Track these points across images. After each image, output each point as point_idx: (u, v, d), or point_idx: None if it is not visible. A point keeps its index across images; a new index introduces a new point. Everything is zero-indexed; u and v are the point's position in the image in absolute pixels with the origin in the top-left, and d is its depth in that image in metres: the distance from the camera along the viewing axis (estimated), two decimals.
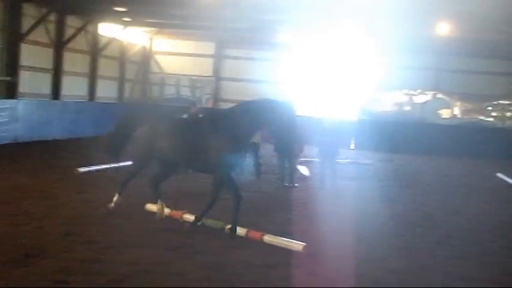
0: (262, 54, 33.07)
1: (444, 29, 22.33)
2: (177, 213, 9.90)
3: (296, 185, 15.33)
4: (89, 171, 14.90)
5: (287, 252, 8.26)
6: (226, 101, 33.49)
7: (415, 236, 10.17)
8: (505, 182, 19.51)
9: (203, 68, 34.36)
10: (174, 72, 34.64)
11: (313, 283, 7.11)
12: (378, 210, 12.64)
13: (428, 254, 8.88)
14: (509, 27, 23.51)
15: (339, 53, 32.18)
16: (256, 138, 16.42)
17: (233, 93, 33.14)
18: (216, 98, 34.35)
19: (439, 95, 32.94)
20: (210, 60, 34.51)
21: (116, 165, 13.15)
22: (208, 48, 34.35)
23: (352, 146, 28.07)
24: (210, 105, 33.67)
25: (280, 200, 13.42)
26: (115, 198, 10.00)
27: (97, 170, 15.00)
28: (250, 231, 9.01)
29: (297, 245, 8.36)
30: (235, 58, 33.97)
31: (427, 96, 33.14)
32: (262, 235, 8.81)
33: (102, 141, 11.33)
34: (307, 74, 33.33)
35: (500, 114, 32.97)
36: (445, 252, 9.05)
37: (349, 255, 8.27)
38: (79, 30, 27.31)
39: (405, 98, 33.31)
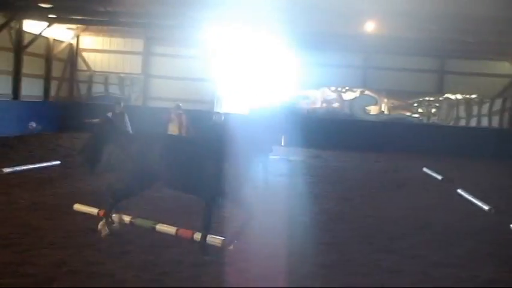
0: (191, 51, 32.87)
1: (371, 27, 22.76)
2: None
3: None
4: (14, 171, 14.50)
5: (218, 250, 8.24)
6: (155, 98, 33.25)
7: (343, 231, 10.32)
8: (431, 176, 20.08)
9: (132, 65, 33.90)
10: (102, 70, 34.04)
11: (244, 280, 7.12)
12: (306, 206, 12.77)
13: (356, 248, 9.03)
14: (433, 25, 24.19)
15: (267, 51, 32.31)
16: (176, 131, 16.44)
17: (162, 91, 32.94)
18: (145, 95, 33.95)
19: (367, 92, 33.57)
20: (139, 58, 34.05)
21: (42, 165, 12.83)
22: (137, 45, 33.89)
23: (282, 143, 28.28)
24: (138, 103, 33.28)
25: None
26: (104, 226, 8.71)
27: (22, 171, 14.62)
28: (180, 229, 8.96)
29: (227, 243, 8.35)
30: (163, 55, 33.64)
31: (355, 93, 33.70)
32: (193, 233, 8.76)
33: (79, 149, 10.29)
34: (236, 71, 33.32)
35: (425, 111, 33.87)
36: (372, 246, 9.23)
37: (280, 252, 8.33)
38: (2, 26, 26.48)
39: (334, 95, 33.79)
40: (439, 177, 19.36)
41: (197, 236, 8.59)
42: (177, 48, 33.03)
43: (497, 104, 33.66)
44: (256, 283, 7.09)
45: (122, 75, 33.86)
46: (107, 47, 34.05)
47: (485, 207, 13.42)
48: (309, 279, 7.29)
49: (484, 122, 33.92)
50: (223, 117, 16.56)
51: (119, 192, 8.75)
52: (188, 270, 7.36)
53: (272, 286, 6.97)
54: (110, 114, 15.77)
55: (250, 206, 8.33)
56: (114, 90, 33.96)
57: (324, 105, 33.79)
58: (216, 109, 30.91)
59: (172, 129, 16.64)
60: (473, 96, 33.55)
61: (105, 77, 33.96)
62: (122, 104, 16.81)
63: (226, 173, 7.99)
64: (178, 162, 8.22)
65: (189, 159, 8.20)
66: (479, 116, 34.09)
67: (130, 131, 16.51)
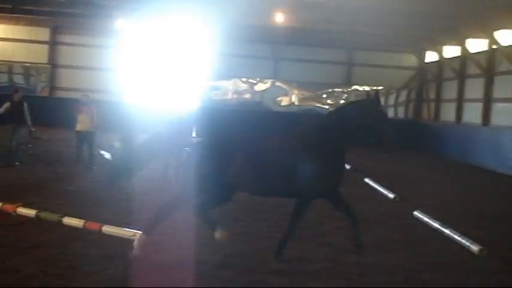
0: (99, 41, 32.16)
1: (280, 18, 22.93)
2: (11, 207, 9.37)
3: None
4: None
5: (127, 242, 8.09)
6: (62, 89, 32.35)
7: (255, 221, 10.38)
8: None
9: (37, 54, 32.76)
10: (6, 59, 32.74)
11: (153, 271, 7.03)
12: None
13: (267, 237, 9.09)
14: (341, 18, 24.65)
15: (177, 41, 32.05)
16: (88, 126, 16.06)
17: (69, 81, 32.07)
18: (52, 86, 32.93)
19: (278, 83, 33.88)
20: (45, 47, 32.96)
21: None
22: (43, 34, 32.74)
23: (194, 135, 28.10)
24: (45, 94, 32.29)
25: (120, 190, 13.12)
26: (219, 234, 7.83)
27: None
28: (87, 222, 8.75)
29: (136, 234, 8.21)
30: (71, 45, 32.70)
31: (266, 85, 33.94)
32: (101, 226, 8.58)
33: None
34: (145, 61, 32.83)
35: (334, 102, 34.53)
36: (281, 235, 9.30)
37: (190, 242, 8.27)
38: None
39: (245, 86, 33.91)
40: (348, 166, 19.77)
41: (105, 228, 8.42)
42: (85, 37, 32.22)
43: (403, 95, 34.76)
44: (165, 273, 7.02)
45: (27, 64, 32.71)
46: (10, 36, 32.73)
47: (391, 196, 13.84)
48: (220, 269, 7.27)
49: (391, 113, 34.93)
50: (134, 108, 16.32)
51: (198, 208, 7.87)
52: (95, 264, 7.20)
53: (181, 276, 6.92)
54: (7, 104, 15.29)
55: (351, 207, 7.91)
56: (19, 80, 32.79)
57: (235, 96, 33.87)
58: (125, 100, 30.42)
59: (82, 121, 16.24)
60: (380, 87, 34.45)
61: (9, 66, 32.71)
62: (20, 93, 16.26)
63: (327, 170, 7.57)
64: (268, 164, 7.48)
65: (283, 159, 7.51)
66: (386, 106, 35.08)
67: (29, 121, 16.04)
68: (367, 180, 16.40)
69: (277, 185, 7.58)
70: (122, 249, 7.75)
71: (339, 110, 7.97)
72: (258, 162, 7.47)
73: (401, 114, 34.87)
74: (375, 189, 15.15)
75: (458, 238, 9.05)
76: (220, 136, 7.87)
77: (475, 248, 8.57)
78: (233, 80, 33.60)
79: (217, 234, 7.68)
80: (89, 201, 10.86)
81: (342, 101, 34.37)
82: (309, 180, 7.44)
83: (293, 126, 8.43)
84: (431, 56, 32.56)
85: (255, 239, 8.97)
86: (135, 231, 8.23)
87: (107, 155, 17.31)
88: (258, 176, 7.50)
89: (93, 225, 8.65)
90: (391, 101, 35.14)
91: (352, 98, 34.25)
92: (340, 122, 7.67)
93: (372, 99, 7.78)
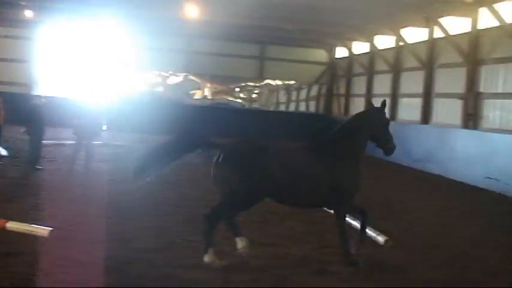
0: (10, 31, 31.07)
1: (193, 12, 22.81)
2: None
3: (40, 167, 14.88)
4: None
5: (34, 238, 7.86)
6: None
7: (166, 215, 10.31)
8: None
9: None
10: None
11: (61, 268, 6.88)
12: (129, 191, 12.59)
13: (177, 231, 9.06)
14: (257, 13, 24.79)
15: (91, 33, 31.41)
16: None
17: None
18: None
19: (190, 77, 33.75)
20: None
21: None
22: None
23: (105, 128, 27.59)
24: None
25: (27, 185, 12.77)
26: (211, 258, 7.32)
27: None
28: None
29: (43, 231, 7.99)
30: None
31: (179, 78, 33.76)
32: (5, 222, 8.29)
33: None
34: (59, 53, 32.01)
35: (247, 96, 34.77)
36: (193, 228, 9.29)
37: (100, 237, 8.15)
38: None
39: (158, 79, 33.61)
40: None
41: (10, 225, 8.15)
42: None
43: (314, 90, 35.37)
44: (72, 269, 6.88)
45: None
46: None
47: None
48: (131, 264, 7.19)
49: (302, 107, 35.51)
50: (44, 100, 15.87)
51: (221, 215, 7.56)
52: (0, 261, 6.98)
53: (90, 272, 6.80)
54: None
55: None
56: None
57: (148, 89, 33.51)
58: (36, 92, 29.57)
59: None
60: (292, 82, 34.96)
61: None
62: None
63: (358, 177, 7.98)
64: (305, 175, 7.56)
65: (320, 169, 7.68)
66: (298, 101, 35.63)
67: None
68: None
69: (314, 195, 7.74)
70: (29, 245, 7.53)
71: (355, 119, 8.45)
72: (295, 173, 7.53)
73: (312, 108, 35.47)
74: None
75: (366, 230, 9.29)
76: (255, 144, 7.76)
77: (381, 239, 8.81)
78: (145, 72, 33.21)
79: (240, 243, 7.57)
80: None
81: (255, 95, 34.65)
82: (349, 188, 7.86)
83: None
84: (341, 52, 33.26)
85: (164, 233, 8.91)
86: (42, 227, 8.01)
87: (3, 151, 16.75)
88: (294, 187, 7.54)
89: None
90: (303, 95, 35.68)
91: (265, 92, 34.65)
92: (358, 130, 8.17)
93: (379, 108, 8.42)
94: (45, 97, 16.05)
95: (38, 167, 14.86)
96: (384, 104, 8.57)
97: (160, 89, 33.68)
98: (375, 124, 8.33)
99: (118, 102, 30.30)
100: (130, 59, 32.18)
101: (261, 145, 7.67)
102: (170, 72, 33.53)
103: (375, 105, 8.66)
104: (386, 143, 8.40)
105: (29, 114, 15.11)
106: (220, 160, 7.36)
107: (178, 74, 33.58)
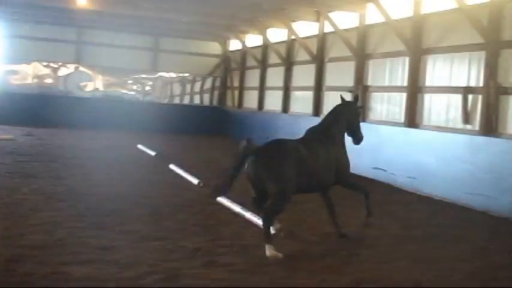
0: None
1: (82, 1, 22.23)
2: None
3: None
4: None
5: None
6: None
7: (56, 211, 10.03)
8: (145, 152, 20.48)
9: None
10: None
11: None
12: (16, 186, 12.20)
13: (67, 227, 8.83)
14: (150, 4, 24.51)
15: None
16: None
17: None
18: None
19: (81, 68, 32.92)
20: None
21: None
22: None
23: None
24: None
25: None
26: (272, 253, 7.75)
27: None
28: None
29: None
30: None
31: (69, 69, 32.86)
32: None
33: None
34: None
35: (140, 88, 34.34)
36: (84, 223, 9.11)
37: None
38: None
39: (47, 71, 32.55)
40: (153, 153, 19.81)
41: None
42: None
43: (208, 82, 35.42)
44: None
45: None
46: None
47: (195, 181, 14.08)
48: (15, 262, 6.94)
49: (197, 100, 35.48)
50: None
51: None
52: None
53: None
54: None
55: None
56: None
57: (36, 80, 32.37)
58: None
59: None
60: (187, 74, 34.83)
61: None
62: None
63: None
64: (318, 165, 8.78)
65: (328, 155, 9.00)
66: (192, 94, 35.57)
67: None
68: (172, 166, 16.52)
69: (330, 177, 9.02)
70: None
71: (337, 110, 9.75)
72: (322, 162, 8.87)
73: (206, 101, 35.51)
74: (180, 175, 15.31)
75: (258, 221, 9.42)
76: (287, 143, 8.70)
77: (273, 228, 8.92)
78: (33, 63, 32.07)
79: (276, 225, 8.61)
80: None
81: (148, 88, 34.27)
82: (347, 166, 9.43)
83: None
84: (235, 45, 33.44)
85: (53, 229, 8.65)
86: None
87: None
88: (322, 175, 8.89)
89: None
90: (197, 88, 35.65)
91: (159, 85, 34.35)
92: (341, 118, 9.56)
93: (354, 101, 10.19)
94: None
95: None
96: (357, 97, 10.71)
97: (49, 80, 32.63)
98: (352, 114, 9.81)
99: (3, 94, 29.25)
100: (14, 49, 30.94)
101: (292, 144, 8.66)
102: (60, 63, 32.55)
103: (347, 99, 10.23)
104: (358, 133, 9.81)
105: None
106: (257, 162, 8.12)
107: (68, 65, 32.65)
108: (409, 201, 14.03)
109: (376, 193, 14.67)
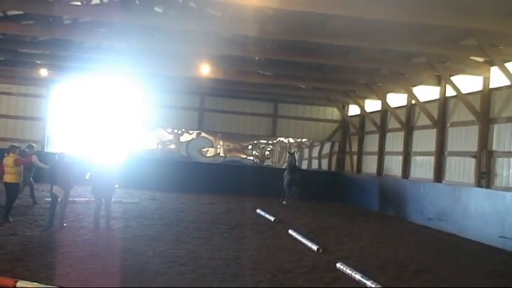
0: (25, 89, 31.61)
1: (206, 70, 23.11)
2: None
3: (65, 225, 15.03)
4: None
5: None
6: None
7: (177, 274, 10.22)
8: (264, 217, 20.58)
9: None
10: None
11: None
12: (141, 249, 12.55)
13: None
14: (268, 71, 25.08)
15: (105, 91, 31.85)
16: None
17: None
18: None
19: (203, 134, 33.91)
20: None
21: None
22: None
23: (117, 185, 27.65)
24: None
25: (40, 243, 12.72)
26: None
27: None
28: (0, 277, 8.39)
29: None
30: None
31: (192, 135, 33.93)
32: (16, 282, 8.24)
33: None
34: (74, 111, 32.36)
35: (259, 153, 34.79)
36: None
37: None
38: None
39: (170, 137, 33.80)
40: (272, 218, 19.88)
41: (20, 284, 8.10)
42: (5, 85, 31.50)
43: (327, 147, 35.39)
44: None
45: None
46: None
47: (314, 247, 13.93)
48: None
49: (315, 165, 35.47)
50: (68, 159, 16.05)
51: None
52: None
53: None
54: None
55: None
56: None
57: (160, 146, 33.66)
58: (49, 149, 30.03)
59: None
60: (304, 139, 35.02)
61: None
62: None
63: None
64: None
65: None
66: (310, 158, 35.61)
67: None
68: (291, 231, 16.48)
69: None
70: None
71: (292, 157, 26.23)
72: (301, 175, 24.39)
73: (325, 166, 35.42)
74: (299, 241, 15.23)
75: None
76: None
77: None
78: (158, 130, 33.43)
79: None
80: (4, 256, 10.44)
81: (267, 153, 34.70)
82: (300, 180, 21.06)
83: None
84: (353, 110, 33.38)
85: None
86: (52, 285, 7.96)
87: None
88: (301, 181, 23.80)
89: (7, 281, 8.30)
90: (315, 153, 35.70)
91: (277, 150, 34.73)
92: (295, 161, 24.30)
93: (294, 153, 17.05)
94: (67, 156, 16.20)
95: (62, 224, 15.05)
96: (293, 152, 21.92)
97: (172, 146, 33.81)
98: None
99: (129, 159, 30.52)
100: (142, 116, 32.46)
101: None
102: (183, 130, 33.71)
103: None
104: (300, 185, 20.89)
105: (57, 173, 15.32)
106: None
107: (190, 131, 33.76)
108: None
109: (505, 264, 13.93)
